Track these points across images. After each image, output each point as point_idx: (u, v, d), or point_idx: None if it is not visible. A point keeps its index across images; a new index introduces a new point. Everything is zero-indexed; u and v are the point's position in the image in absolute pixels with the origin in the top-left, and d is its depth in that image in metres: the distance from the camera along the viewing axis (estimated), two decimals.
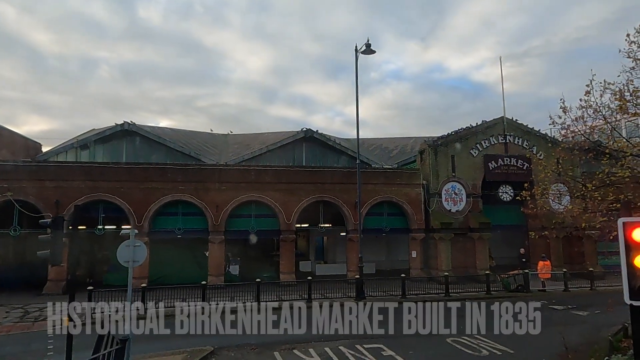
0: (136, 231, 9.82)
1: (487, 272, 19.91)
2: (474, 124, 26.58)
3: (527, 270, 20.53)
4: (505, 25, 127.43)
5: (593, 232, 25.97)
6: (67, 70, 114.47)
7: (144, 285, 16.74)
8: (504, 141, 26.59)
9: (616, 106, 9.68)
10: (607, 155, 11.88)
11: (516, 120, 27.13)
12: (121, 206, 21.34)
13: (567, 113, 10.34)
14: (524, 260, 22.03)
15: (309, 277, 18.50)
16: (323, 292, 19.16)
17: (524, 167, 26.43)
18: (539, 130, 27.42)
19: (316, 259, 30.75)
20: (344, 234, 25.01)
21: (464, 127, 26.50)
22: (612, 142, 10.46)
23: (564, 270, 21.01)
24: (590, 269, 24.74)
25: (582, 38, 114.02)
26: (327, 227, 25.71)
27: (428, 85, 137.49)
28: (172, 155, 27.07)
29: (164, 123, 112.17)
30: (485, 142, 26.25)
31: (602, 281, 22.63)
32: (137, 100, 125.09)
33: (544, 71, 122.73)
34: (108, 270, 22.90)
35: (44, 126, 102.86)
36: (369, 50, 18.70)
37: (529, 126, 27.30)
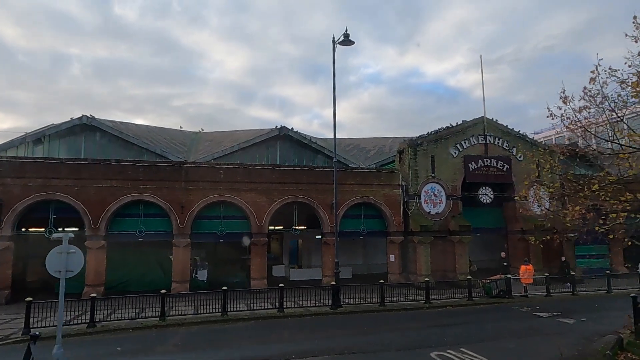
0: (71, 235, 8.24)
1: (469, 277, 19.01)
2: (454, 124, 25.81)
3: (509, 275, 19.73)
4: (479, 33, 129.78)
5: (572, 234, 25.74)
6: (36, 66, 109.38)
7: (94, 295, 14.92)
8: (484, 142, 25.92)
9: (629, 93, 8.73)
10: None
11: (496, 120, 26.54)
12: (75, 206, 19.39)
13: (567, 104, 9.31)
14: (505, 264, 21.29)
15: (281, 285, 17.09)
16: (297, 300, 17.83)
17: (504, 169, 25.83)
18: (519, 131, 26.91)
19: (290, 263, 29.37)
20: (320, 236, 23.73)
21: (444, 126, 25.69)
22: (617, 136, 9.44)
23: (546, 274, 20.34)
24: (573, 273, 24.33)
25: (551, 46, 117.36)
26: (301, 229, 24.38)
27: (404, 89, 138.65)
28: (136, 153, 25.16)
29: (138, 121, 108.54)
30: (465, 143, 25.50)
31: (581, 285, 22.14)
32: (109, 97, 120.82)
33: (515, 78, 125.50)
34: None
35: (10, 124, 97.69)
36: (347, 41, 17.52)
37: (508, 127, 26.75)
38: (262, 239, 21.59)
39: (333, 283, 17.64)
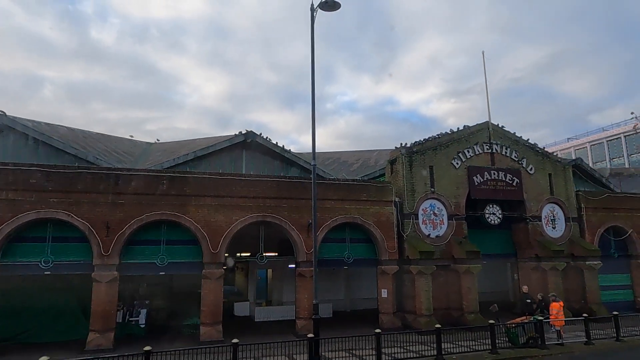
0: None
1: (491, 320, 14.30)
2: (455, 129, 21.65)
3: (540, 317, 15.10)
4: (450, 65, 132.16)
5: (595, 262, 21.60)
6: (6, 87, 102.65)
7: None
8: (489, 150, 21.78)
9: None
10: None
11: (502, 127, 22.56)
12: None
13: None
14: (528, 301, 16.74)
15: (235, 340, 11.95)
16: (260, 357, 12.69)
17: (514, 183, 21.67)
18: (528, 139, 22.99)
19: (258, 298, 24.02)
20: (293, 266, 18.75)
21: (444, 132, 21.47)
22: None
23: (585, 315, 15.84)
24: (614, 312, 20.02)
25: (518, 78, 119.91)
26: (271, 257, 19.34)
27: (380, 117, 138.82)
28: (62, 159, 19.75)
29: None
30: (469, 152, 21.29)
31: (608, 324, 17.57)
32: (81, 120, 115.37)
33: (485, 107, 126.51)
34: None
35: None
36: (329, 3, 13.12)
37: (516, 134, 22.79)
38: (217, 271, 16.38)
39: (310, 335, 12.58)
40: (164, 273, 16.87)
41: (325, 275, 21.47)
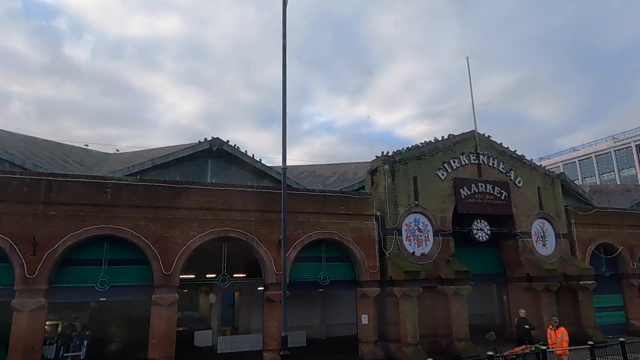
0: None
1: (489, 352, 12.31)
2: (439, 138, 20.07)
3: (543, 346, 13.21)
4: (424, 89, 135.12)
5: (589, 282, 20.11)
6: None
7: None
8: (476, 161, 20.26)
9: None
10: None
11: (489, 136, 21.17)
12: None
13: None
14: (527, 327, 14.89)
15: None
16: None
17: (502, 197, 20.13)
18: (515, 150, 21.65)
19: (222, 325, 21.36)
20: (262, 288, 16.41)
21: (427, 140, 19.84)
22: None
23: (590, 343, 14.04)
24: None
25: (488, 102, 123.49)
26: (236, 278, 16.94)
27: (356, 138, 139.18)
28: None
29: None
30: (454, 162, 19.70)
31: (610, 349, 15.91)
32: (49, 137, 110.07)
33: (456, 130, 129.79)
34: None
35: None
36: None
37: (503, 145, 21.42)
38: (169, 296, 13.85)
39: None
40: (104, 299, 14.18)
41: (299, 299, 19.18)
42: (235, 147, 21.23)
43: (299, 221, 16.11)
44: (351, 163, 28.90)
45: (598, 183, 59.64)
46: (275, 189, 16.57)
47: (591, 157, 66.77)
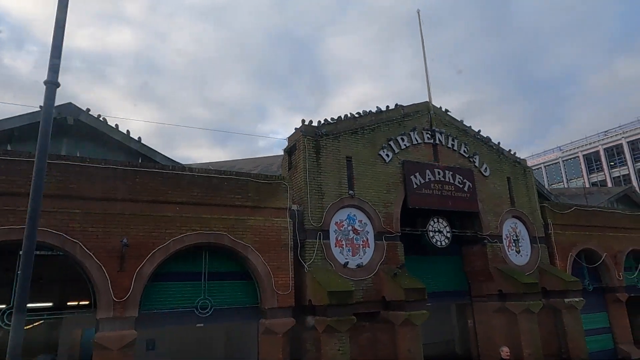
0: None
1: None
2: (383, 108, 14.90)
3: None
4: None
5: (577, 299, 15.41)
6: None
7: None
8: (431, 141, 15.26)
9: None
10: None
11: (447, 111, 16.32)
12: None
13: None
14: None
15: None
16: None
17: (466, 188, 15.18)
18: (479, 131, 16.95)
19: None
20: (94, 329, 10.09)
21: (368, 110, 14.58)
22: None
23: None
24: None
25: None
26: (67, 313, 10.55)
27: None
28: None
29: None
30: (403, 140, 14.56)
31: None
32: None
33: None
34: None
35: None
36: None
37: (464, 123, 16.67)
38: None
39: None
40: None
41: (164, 337, 12.98)
42: (103, 120, 14.97)
43: (165, 216, 10.17)
44: (278, 155, 23.25)
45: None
46: (131, 164, 10.56)
47: (540, 167, 66.02)
